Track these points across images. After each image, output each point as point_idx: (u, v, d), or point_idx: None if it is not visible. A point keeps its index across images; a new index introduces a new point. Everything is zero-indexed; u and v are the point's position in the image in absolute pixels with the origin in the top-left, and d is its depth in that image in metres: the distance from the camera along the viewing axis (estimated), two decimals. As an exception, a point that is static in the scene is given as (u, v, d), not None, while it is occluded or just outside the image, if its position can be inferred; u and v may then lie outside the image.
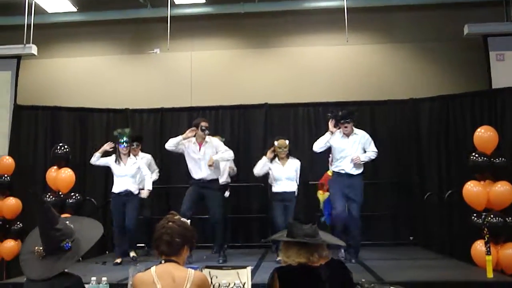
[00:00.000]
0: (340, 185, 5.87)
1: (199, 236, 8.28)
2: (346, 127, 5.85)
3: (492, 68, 7.59)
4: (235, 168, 7.18)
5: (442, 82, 8.05)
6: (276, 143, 6.22)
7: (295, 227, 2.48)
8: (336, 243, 2.64)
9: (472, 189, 5.80)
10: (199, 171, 6.04)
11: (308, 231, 2.45)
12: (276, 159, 6.22)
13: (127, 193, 6.20)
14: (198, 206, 6.18)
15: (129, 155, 6.33)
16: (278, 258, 6.04)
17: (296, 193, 6.19)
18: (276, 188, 6.22)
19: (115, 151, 6.36)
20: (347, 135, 5.93)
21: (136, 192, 6.26)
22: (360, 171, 5.93)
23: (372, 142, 6.01)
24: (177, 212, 2.70)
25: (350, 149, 5.88)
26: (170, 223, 2.52)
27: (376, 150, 5.98)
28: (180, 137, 6.04)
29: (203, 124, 6.05)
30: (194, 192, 6.01)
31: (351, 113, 5.94)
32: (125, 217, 6.17)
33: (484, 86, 7.62)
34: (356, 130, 6.00)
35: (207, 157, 6.00)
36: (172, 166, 7.89)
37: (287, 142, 6.22)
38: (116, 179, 6.31)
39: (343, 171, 5.87)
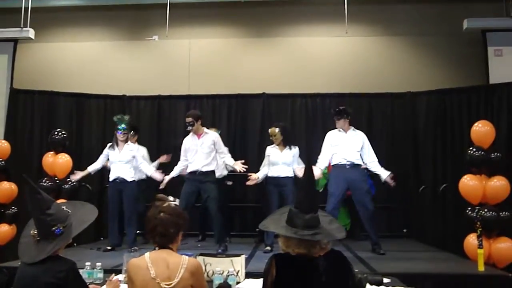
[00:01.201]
0: (340, 180, 5.94)
1: (192, 224, 8.32)
2: (338, 121, 6.08)
3: (490, 63, 7.58)
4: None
5: (440, 76, 8.05)
6: (269, 130, 6.38)
7: (296, 217, 2.40)
8: (337, 237, 2.51)
9: (468, 183, 5.81)
10: (195, 161, 6.04)
11: (309, 221, 2.37)
12: (274, 144, 6.31)
13: (122, 181, 6.20)
14: (194, 200, 6.20)
15: (126, 142, 6.32)
16: (267, 248, 6.05)
17: (292, 179, 6.20)
18: (272, 172, 6.24)
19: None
20: (345, 130, 6.08)
21: (130, 179, 6.25)
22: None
23: (371, 147, 6.14)
24: (164, 195, 2.68)
25: (347, 143, 5.99)
26: (162, 214, 2.52)
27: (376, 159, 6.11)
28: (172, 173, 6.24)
29: (186, 120, 6.11)
30: (189, 190, 6.00)
31: (343, 111, 6.11)
32: (120, 206, 6.19)
33: (482, 81, 7.62)
34: (355, 129, 6.18)
35: (205, 148, 6.02)
36: (169, 153, 7.95)
37: (276, 130, 6.26)
38: (111, 166, 6.33)
39: (342, 162, 5.96)
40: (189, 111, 6.42)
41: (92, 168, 6.47)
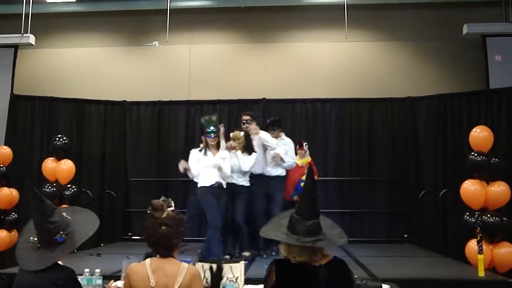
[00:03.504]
0: (262, 185, 6.02)
1: (197, 230, 8.28)
2: (272, 132, 6.15)
3: (490, 68, 7.59)
4: None
5: (440, 81, 8.05)
6: (231, 134, 6.01)
7: (298, 223, 2.36)
8: (339, 244, 2.48)
9: (470, 188, 5.78)
10: (259, 165, 6.07)
11: (311, 228, 2.34)
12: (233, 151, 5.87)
13: (219, 186, 5.55)
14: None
15: (218, 146, 5.66)
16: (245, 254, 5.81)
17: (248, 187, 5.92)
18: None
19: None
20: (275, 138, 6.15)
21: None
22: (278, 173, 6.10)
23: (293, 151, 6.23)
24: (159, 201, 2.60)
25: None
26: (164, 227, 2.47)
27: (294, 159, 6.19)
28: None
29: (244, 117, 6.15)
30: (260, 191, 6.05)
31: (277, 121, 6.27)
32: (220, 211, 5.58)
33: (482, 86, 7.63)
34: (284, 136, 6.25)
35: (259, 150, 6.01)
36: (169, 159, 8.04)
37: (241, 133, 5.92)
38: (202, 171, 5.60)
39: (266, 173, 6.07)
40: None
41: (192, 174, 5.72)
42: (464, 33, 7.61)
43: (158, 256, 2.52)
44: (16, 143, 7.77)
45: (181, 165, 5.60)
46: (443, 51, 8.16)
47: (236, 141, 5.86)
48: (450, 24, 8.03)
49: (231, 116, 8.27)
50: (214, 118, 5.63)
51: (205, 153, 5.60)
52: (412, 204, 7.64)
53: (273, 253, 6.01)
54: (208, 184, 5.53)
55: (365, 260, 5.63)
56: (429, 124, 7.82)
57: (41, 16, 8.27)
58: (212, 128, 5.53)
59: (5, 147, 7.37)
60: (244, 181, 5.91)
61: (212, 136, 5.54)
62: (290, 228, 2.39)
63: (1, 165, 7.15)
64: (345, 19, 7.89)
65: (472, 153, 5.90)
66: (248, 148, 5.89)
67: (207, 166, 5.54)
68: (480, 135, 5.95)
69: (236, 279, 3.84)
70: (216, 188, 5.51)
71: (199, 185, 5.60)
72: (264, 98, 8.20)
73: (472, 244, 5.56)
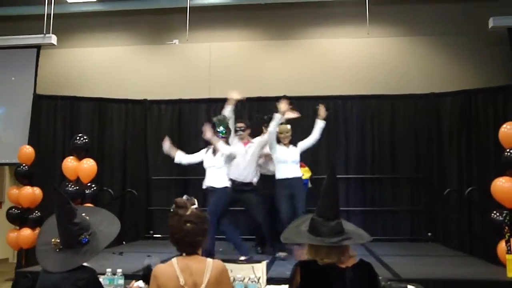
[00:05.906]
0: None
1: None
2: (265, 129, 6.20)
3: (516, 62, 7.40)
4: None
5: (465, 77, 7.88)
6: (278, 128, 6.00)
7: (320, 225, 2.32)
8: (368, 240, 2.45)
9: (504, 185, 5.50)
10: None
11: (335, 228, 2.31)
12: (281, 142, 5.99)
13: (211, 189, 5.59)
14: None
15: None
16: (279, 254, 5.71)
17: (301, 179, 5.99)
18: (281, 173, 5.88)
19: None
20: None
21: (218, 186, 5.57)
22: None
23: None
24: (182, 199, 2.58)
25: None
26: (188, 225, 2.46)
27: None
28: None
29: (238, 125, 6.17)
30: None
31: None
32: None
33: (508, 81, 7.44)
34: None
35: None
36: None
37: (288, 127, 6.05)
38: (207, 171, 5.70)
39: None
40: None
41: (184, 158, 5.87)
42: (489, 26, 7.42)
43: (184, 254, 2.50)
44: (39, 142, 7.87)
45: (166, 145, 5.91)
46: (467, 46, 7.98)
47: (285, 134, 6.01)
48: (475, 17, 7.86)
49: (251, 114, 8.23)
50: (226, 119, 5.75)
51: (212, 152, 5.66)
52: (436, 202, 7.51)
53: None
54: (204, 186, 5.71)
55: (388, 259, 5.53)
56: (453, 121, 7.66)
57: (63, 16, 8.34)
58: (221, 128, 5.63)
59: (27, 146, 7.44)
60: (298, 172, 5.99)
61: (220, 135, 5.61)
62: (312, 231, 2.37)
63: (24, 164, 7.23)
64: (367, 14, 7.77)
65: (508, 150, 5.61)
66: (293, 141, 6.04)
67: (207, 166, 5.68)
68: (511, 132, 5.72)
69: (258, 279, 3.80)
70: (210, 190, 5.62)
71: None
72: (284, 96, 8.11)
73: (503, 244, 5.39)
